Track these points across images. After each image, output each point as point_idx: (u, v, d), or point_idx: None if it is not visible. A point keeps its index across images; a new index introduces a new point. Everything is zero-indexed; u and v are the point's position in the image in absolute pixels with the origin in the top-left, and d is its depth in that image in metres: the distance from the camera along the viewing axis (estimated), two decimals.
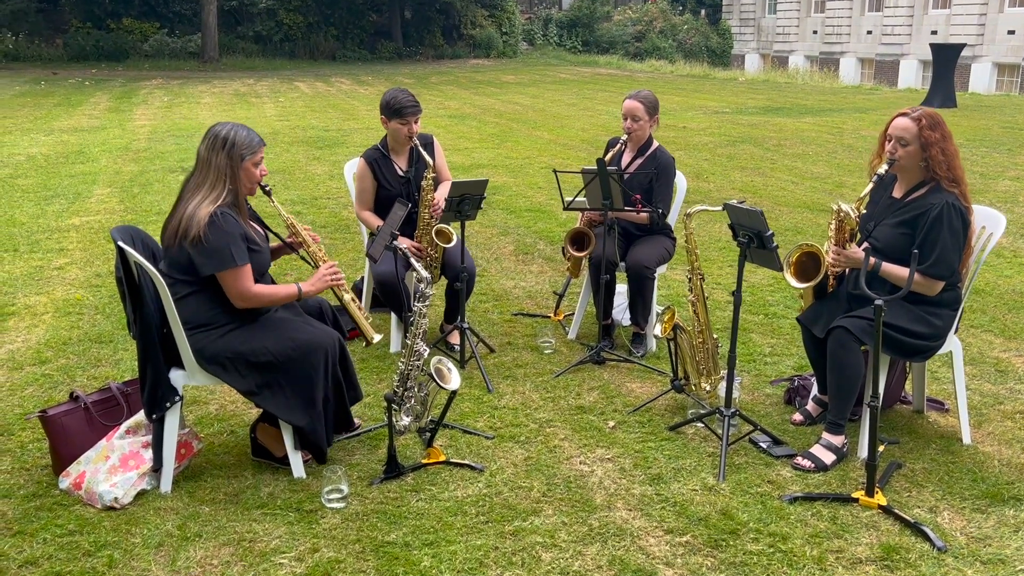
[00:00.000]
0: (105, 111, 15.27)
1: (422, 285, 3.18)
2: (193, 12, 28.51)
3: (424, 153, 4.27)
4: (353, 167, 4.79)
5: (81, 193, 8.30)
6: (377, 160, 4.47)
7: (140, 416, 3.22)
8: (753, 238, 3.17)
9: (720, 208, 3.48)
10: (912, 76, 29.61)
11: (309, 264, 3.39)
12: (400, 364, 3.24)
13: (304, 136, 12.26)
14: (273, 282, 3.35)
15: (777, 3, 37.15)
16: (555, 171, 4.24)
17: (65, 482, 3.12)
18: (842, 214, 3.29)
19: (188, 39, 28.13)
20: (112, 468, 3.08)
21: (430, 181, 4.29)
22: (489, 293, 5.45)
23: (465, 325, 4.21)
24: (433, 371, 3.15)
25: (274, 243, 3.43)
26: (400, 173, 4.46)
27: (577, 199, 4.28)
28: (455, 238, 4.30)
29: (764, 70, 32.24)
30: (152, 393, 3.05)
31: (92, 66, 25.35)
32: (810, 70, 30.04)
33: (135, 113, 14.96)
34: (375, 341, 3.40)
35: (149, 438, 3.18)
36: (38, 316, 4.94)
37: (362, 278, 5.16)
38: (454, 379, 3.19)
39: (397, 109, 4.29)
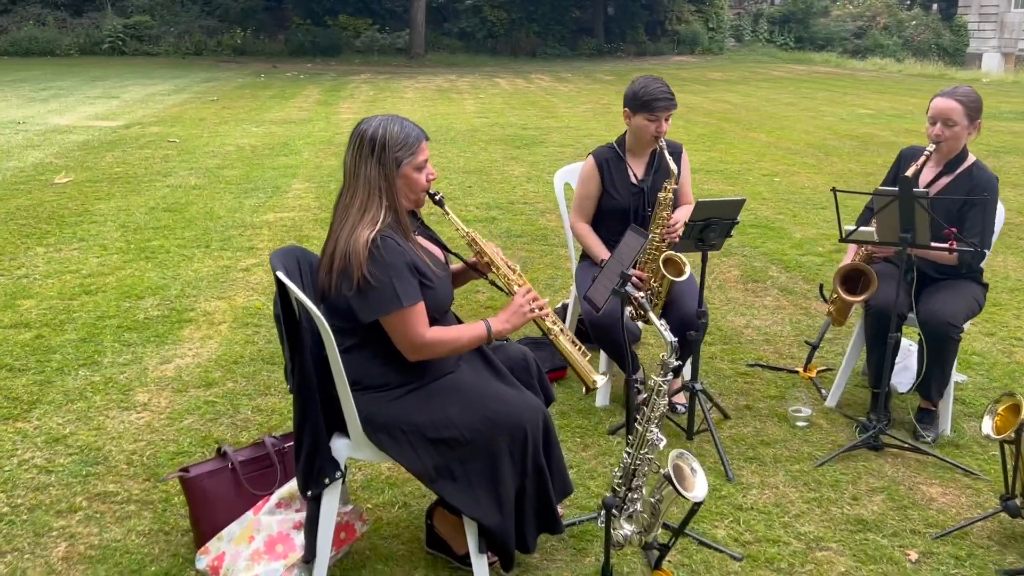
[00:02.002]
0: (314, 104, 15.55)
1: (665, 354, 2.30)
2: (404, 9, 29.14)
3: (670, 159, 3.39)
4: (564, 175, 3.99)
5: (280, 187, 8.11)
6: (609, 161, 3.63)
7: (295, 485, 2.57)
8: None
9: None
10: None
11: (501, 290, 2.60)
12: (625, 455, 2.38)
13: (503, 134, 11.71)
14: (458, 321, 2.59)
15: None
16: (834, 190, 3.22)
17: (203, 561, 2.52)
18: None
19: (397, 35, 28.82)
20: (255, 553, 2.45)
21: (669, 194, 3.40)
22: (716, 333, 4.47)
23: (698, 387, 3.29)
24: (671, 470, 2.27)
25: (456, 265, 2.68)
26: (634, 181, 3.60)
27: (861, 229, 3.23)
28: (687, 271, 3.39)
29: (1007, 70, 28.51)
30: (308, 464, 2.38)
31: (308, 60, 26.46)
32: None
33: (341, 107, 15.10)
34: (598, 385, 2.56)
35: (303, 516, 2.53)
36: (215, 326, 4.53)
37: (564, 305, 4.37)
38: (699, 484, 2.29)
39: (646, 101, 3.44)
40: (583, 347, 2.55)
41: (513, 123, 12.90)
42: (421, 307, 2.31)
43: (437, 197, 2.48)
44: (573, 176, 3.90)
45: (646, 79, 3.53)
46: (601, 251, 3.61)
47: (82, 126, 12.04)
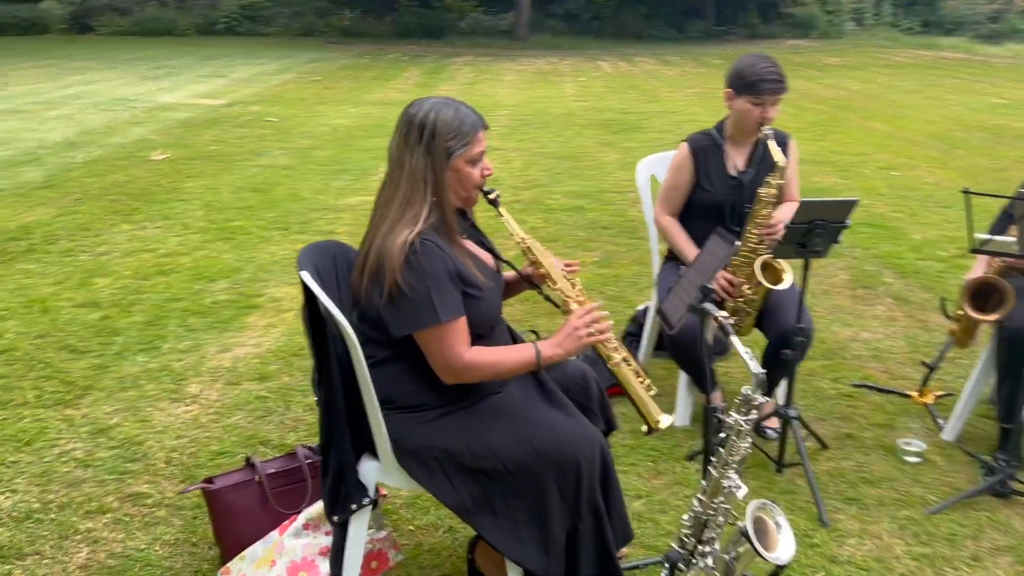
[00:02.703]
0: (413, 86, 15.48)
1: (748, 388, 1.92)
2: None
3: (776, 150, 2.97)
4: (649, 165, 3.61)
5: (367, 169, 7.98)
6: (706, 149, 3.22)
7: None
8: None
9: None
10: None
11: (557, 307, 2.27)
12: (695, 503, 2.02)
13: (600, 119, 11.29)
14: (511, 336, 2.26)
15: None
16: (966, 192, 2.73)
17: None
18: None
19: (502, 17, 28.62)
20: None
21: (773, 189, 2.99)
22: (818, 347, 3.99)
23: (794, 413, 2.87)
24: (750, 524, 1.90)
25: (509, 273, 2.36)
26: (732, 172, 3.20)
27: (997, 239, 2.74)
28: (787, 279, 2.98)
29: None
30: (335, 488, 2.12)
31: (413, 42, 26.55)
32: None
33: (439, 89, 14.97)
34: (662, 426, 2.19)
35: (331, 541, 2.28)
36: (280, 313, 4.37)
37: (644, 309, 3.99)
38: (784, 543, 1.92)
39: (752, 82, 3.01)
40: (648, 380, 2.19)
41: (612, 107, 12.44)
42: (461, 323, 2.00)
43: (492, 196, 2.16)
44: (659, 166, 3.52)
45: (754, 57, 3.11)
46: (690, 250, 3.22)
47: (187, 104, 12.29)
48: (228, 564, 2.32)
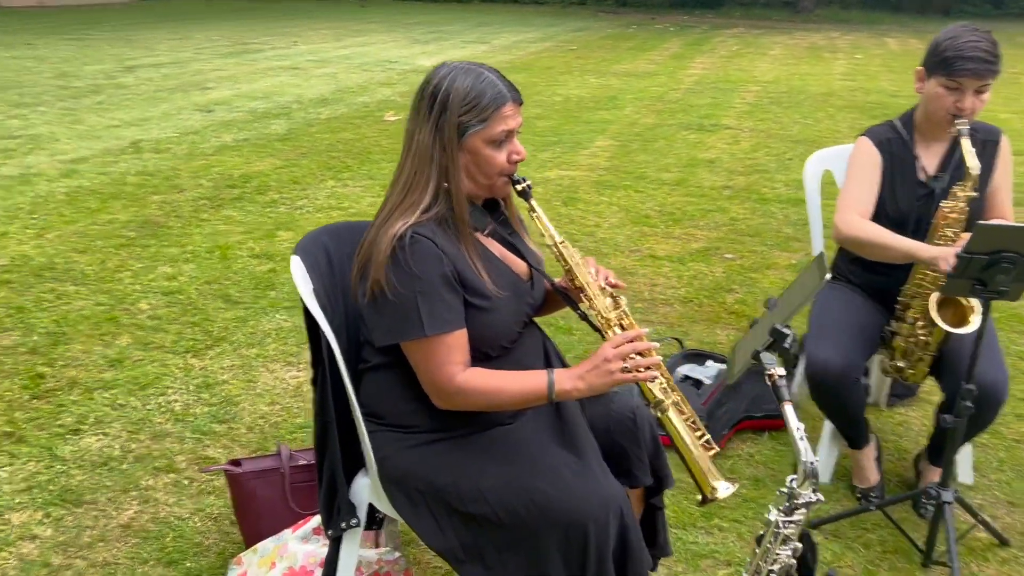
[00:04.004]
0: (667, 57, 14.86)
1: (795, 480, 1.40)
2: None
3: (969, 151, 2.28)
4: (823, 159, 2.98)
5: (581, 143, 7.68)
6: (892, 142, 2.56)
7: None
8: None
9: None
10: None
11: (596, 331, 1.78)
12: None
13: (862, 101, 10.03)
14: (547, 359, 1.87)
15: None
16: None
17: (234, 572, 2.19)
18: None
19: None
20: None
21: (960, 203, 2.31)
22: None
23: (950, 497, 2.20)
24: None
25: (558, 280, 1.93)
26: (922, 177, 2.52)
27: None
28: (975, 321, 2.29)
29: None
30: (329, 498, 1.90)
31: (687, 13, 25.62)
32: None
33: (694, 61, 14.22)
34: (719, 496, 1.65)
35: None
36: None
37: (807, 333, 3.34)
38: None
39: (947, 59, 2.34)
40: (707, 435, 1.69)
41: (882, 89, 11.03)
42: (456, 339, 1.65)
43: (520, 186, 1.76)
44: (836, 162, 2.89)
45: (960, 28, 2.40)
46: (901, 241, 2.39)
47: None
48: (241, 555, 2.20)
